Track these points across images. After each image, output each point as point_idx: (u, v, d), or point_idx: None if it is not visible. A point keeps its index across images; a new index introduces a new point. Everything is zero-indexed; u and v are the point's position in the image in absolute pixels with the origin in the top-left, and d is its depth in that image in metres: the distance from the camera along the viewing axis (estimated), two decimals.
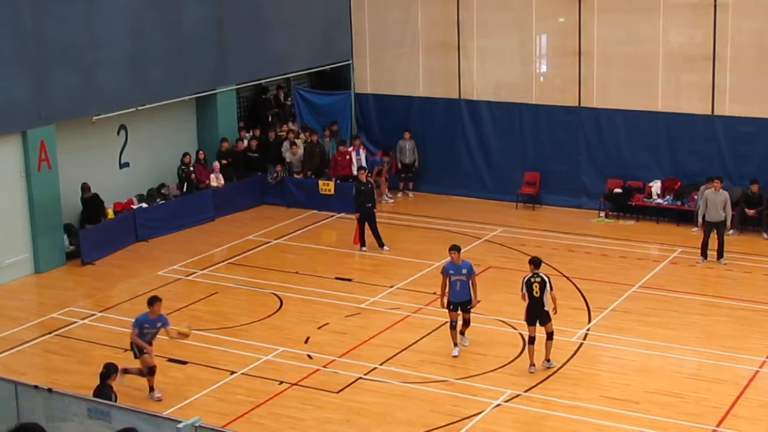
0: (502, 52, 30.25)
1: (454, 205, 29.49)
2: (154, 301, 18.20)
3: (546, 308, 18.64)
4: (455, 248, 19.47)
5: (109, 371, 15.77)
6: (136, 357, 18.16)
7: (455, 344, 19.41)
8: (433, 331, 20.53)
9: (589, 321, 21.07)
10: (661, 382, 18.41)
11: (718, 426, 16.75)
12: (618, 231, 27.11)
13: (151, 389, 18.16)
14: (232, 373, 19.01)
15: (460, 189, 30.43)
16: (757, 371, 18.76)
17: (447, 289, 19.35)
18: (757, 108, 27.04)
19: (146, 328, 18.13)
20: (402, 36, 31.39)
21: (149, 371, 18.08)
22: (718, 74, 27.31)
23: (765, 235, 26.26)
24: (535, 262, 18.93)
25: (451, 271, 19.28)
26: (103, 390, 15.47)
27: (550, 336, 18.80)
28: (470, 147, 30.51)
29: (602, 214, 28.21)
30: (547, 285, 18.63)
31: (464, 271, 19.22)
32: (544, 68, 30.60)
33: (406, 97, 31.40)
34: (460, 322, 19.40)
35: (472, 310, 19.51)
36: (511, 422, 17.08)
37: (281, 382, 18.54)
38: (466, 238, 26.25)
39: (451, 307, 19.29)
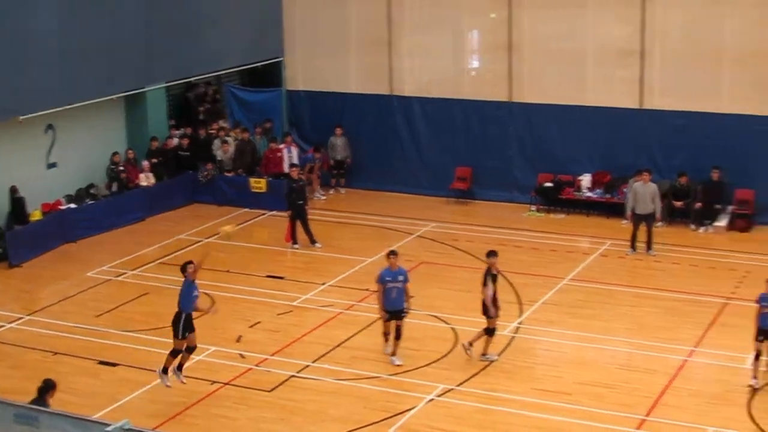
0: (433, 48, 30.31)
1: (387, 201, 29.51)
2: (187, 265, 17.81)
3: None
4: (394, 253, 19.00)
5: (47, 386, 15.31)
6: (175, 337, 17.70)
7: (387, 341, 19.21)
8: (366, 327, 20.50)
9: (521, 314, 21.16)
10: (592, 373, 18.56)
11: (647, 415, 16.92)
12: (549, 224, 27.32)
13: (180, 367, 17.98)
14: None
15: (392, 185, 30.43)
16: (686, 360, 19.00)
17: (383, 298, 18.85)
18: (685, 101, 27.36)
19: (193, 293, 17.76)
20: (334, 33, 31.32)
21: (173, 352, 17.81)
22: (647, 68, 27.62)
23: (693, 227, 26.62)
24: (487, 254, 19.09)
25: (388, 278, 18.68)
26: (39, 405, 15.15)
27: (485, 331, 18.86)
28: (402, 143, 30.56)
29: (533, 208, 28.39)
30: (483, 279, 18.70)
31: (401, 278, 18.75)
32: (475, 64, 30.74)
33: (338, 93, 31.36)
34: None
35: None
36: (444, 416, 17.10)
37: (213, 382, 18.39)
38: (398, 234, 26.35)
39: (388, 316, 18.83)
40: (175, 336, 17.72)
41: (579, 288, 22.69)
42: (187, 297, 17.72)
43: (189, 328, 17.76)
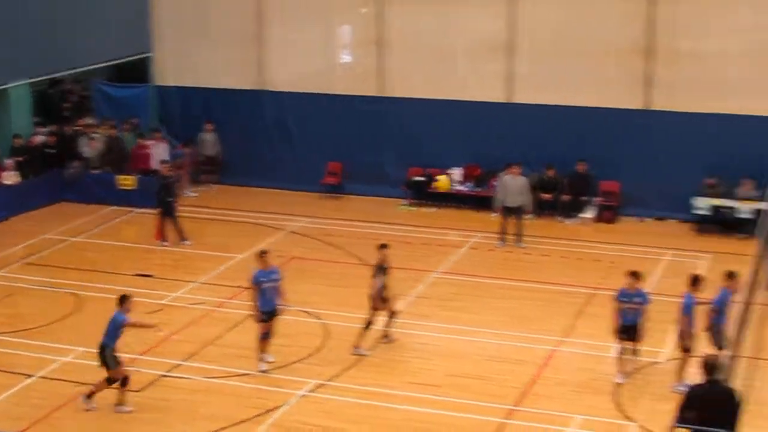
0: (304, 43, 30.24)
1: (258, 197, 29.37)
2: (127, 298, 17.13)
3: None
4: (265, 253, 18.68)
5: None
6: (109, 369, 17.02)
7: (265, 359, 18.69)
8: (238, 325, 20.31)
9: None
10: (464, 365, 18.73)
11: (517, 405, 17.13)
12: (420, 218, 27.50)
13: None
14: (29, 376, 18.34)
15: (263, 180, 30.26)
16: (555, 351, 19.28)
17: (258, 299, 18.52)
18: (553, 95, 27.78)
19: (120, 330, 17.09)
20: (203, 27, 30.98)
21: (123, 382, 17.15)
22: (516, 63, 27.98)
23: (560, 219, 27.06)
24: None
25: (262, 279, 18.36)
26: None
27: (366, 324, 19.11)
28: (273, 138, 30.41)
29: (405, 202, 28.51)
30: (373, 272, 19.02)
31: (274, 276, 18.53)
32: (346, 58, 30.74)
33: (209, 88, 31.01)
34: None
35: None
36: (317, 412, 17.04)
37: (81, 384, 17.98)
38: (270, 230, 26.23)
39: (265, 317, 18.52)
40: (109, 369, 17.05)
41: (450, 281, 22.88)
42: (115, 332, 17.08)
43: (117, 357, 17.20)
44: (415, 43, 28.92)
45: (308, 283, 22.40)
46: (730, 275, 17.26)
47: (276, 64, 30.35)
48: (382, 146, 29.35)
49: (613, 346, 18.25)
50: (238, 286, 21.64)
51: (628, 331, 17.66)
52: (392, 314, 19.48)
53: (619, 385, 17.68)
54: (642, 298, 17.65)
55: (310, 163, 29.86)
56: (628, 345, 17.84)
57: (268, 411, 17.01)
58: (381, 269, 19.02)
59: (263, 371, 18.41)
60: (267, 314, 18.51)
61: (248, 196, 29.56)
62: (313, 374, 18.29)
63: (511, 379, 18.09)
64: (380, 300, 19.02)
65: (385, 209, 28.22)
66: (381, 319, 19.38)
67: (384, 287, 19.07)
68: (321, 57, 30.28)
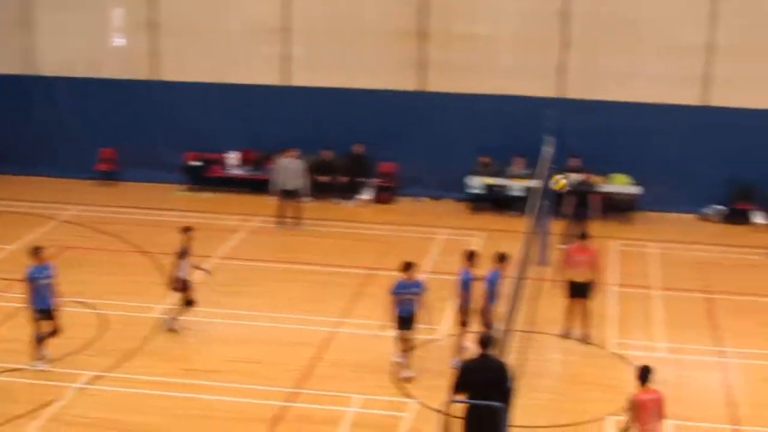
0: (74, 26, 29.46)
1: (28, 186, 28.62)
2: None
3: None
4: (39, 249, 17.92)
5: None
6: None
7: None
8: (9, 318, 19.62)
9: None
10: (243, 350, 18.67)
11: (296, 388, 17.17)
12: (198, 203, 27.32)
13: None
14: None
15: (33, 168, 29.44)
16: (333, 332, 19.44)
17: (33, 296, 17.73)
18: (329, 78, 28.08)
19: None
20: None
21: None
22: (292, 45, 28.04)
23: (339, 201, 27.33)
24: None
25: (36, 275, 17.62)
26: None
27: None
28: (43, 124, 29.59)
29: (182, 187, 28.19)
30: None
31: (49, 272, 17.81)
32: (118, 42, 30.07)
33: None
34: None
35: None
36: (93, 405, 16.64)
37: None
38: (41, 219, 25.54)
39: (39, 315, 17.77)
40: None
41: (229, 266, 22.78)
42: None
43: None
44: (188, 25, 28.65)
45: (82, 272, 21.87)
46: (501, 257, 17.63)
47: (45, 49, 29.51)
48: (157, 131, 28.97)
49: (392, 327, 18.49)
50: (8, 279, 20.89)
51: (407, 321, 17.63)
52: (189, 302, 19.31)
53: (398, 364, 17.92)
54: (418, 287, 17.62)
55: (83, 149, 29.20)
56: (407, 333, 17.88)
57: (43, 406, 16.50)
58: (183, 253, 18.95)
59: (40, 369, 17.79)
60: (42, 312, 17.82)
61: (18, 184, 28.72)
62: (90, 366, 17.85)
63: (290, 362, 18.12)
64: (182, 284, 18.98)
65: (161, 195, 27.90)
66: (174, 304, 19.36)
67: (189, 271, 19.09)
68: (91, 41, 29.54)
